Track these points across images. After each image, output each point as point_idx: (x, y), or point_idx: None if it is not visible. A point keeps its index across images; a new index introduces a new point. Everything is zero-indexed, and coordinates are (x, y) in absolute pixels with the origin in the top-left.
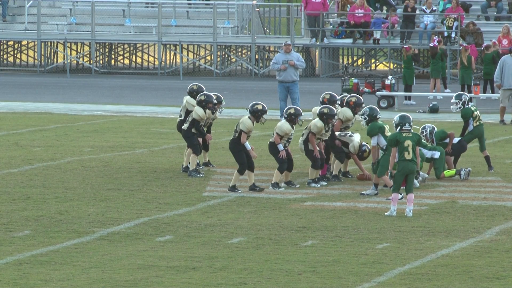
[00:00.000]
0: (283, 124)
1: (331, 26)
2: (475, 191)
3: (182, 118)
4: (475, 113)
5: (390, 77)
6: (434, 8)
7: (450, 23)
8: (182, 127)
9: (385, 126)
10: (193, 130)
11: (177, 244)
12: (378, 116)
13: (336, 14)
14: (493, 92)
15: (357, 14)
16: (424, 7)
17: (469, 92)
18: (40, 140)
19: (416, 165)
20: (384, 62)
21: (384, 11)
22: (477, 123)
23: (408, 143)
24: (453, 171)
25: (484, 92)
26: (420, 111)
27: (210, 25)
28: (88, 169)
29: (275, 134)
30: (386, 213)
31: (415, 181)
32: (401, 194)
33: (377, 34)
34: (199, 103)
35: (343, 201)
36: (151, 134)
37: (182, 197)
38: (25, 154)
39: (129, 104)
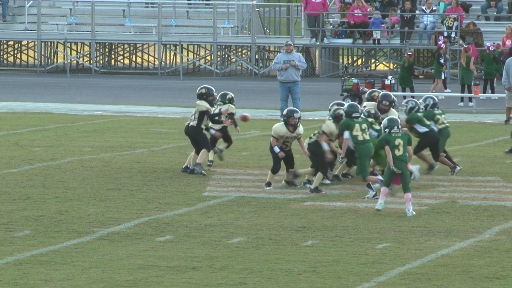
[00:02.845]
0: (278, 126)
1: (331, 26)
2: (475, 191)
3: (194, 123)
4: (437, 116)
5: (390, 77)
6: (434, 8)
7: (450, 23)
8: (191, 123)
9: (356, 125)
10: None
11: (177, 244)
12: (355, 115)
13: (336, 14)
14: (493, 92)
15: (356, 14)
16: (424, 7)
17: (469, 92)
18: (40, 140)
19: (406, 163)
20: (384, 62)
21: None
22: (442, 125)
23: (398, 141)
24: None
25: (484, 92)
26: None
27: (210, 25)
28: (88, 169)
29: (271, 136)
30: (376, 206)
31: (416, 174)
32: (373, 191)
33: (377, 34)
34: (200, 96)
35: (343, 201)
36: (151, 134)
37: (182, 197)
38: (25, 154)
39: (129, 104)
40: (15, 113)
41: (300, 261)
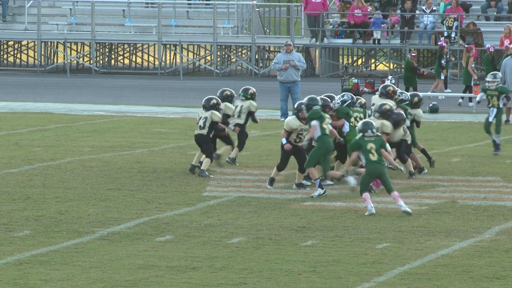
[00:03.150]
0: (290, 120)
1: (331, 26)
2: (475, 191)
3: (204, 131)
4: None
5: (390, 77)
6: (434, 8)
7: (450, 23)
8: (200, 132)
9: (326, 118)
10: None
11: (177, 244)
12: (316, 107)
13: (336, 14)
14: None
15: (356, 14)
16: (424, 7)
17: (470, 92)
18: (40, 140)
19: (384, 167)
20: (384, 62)
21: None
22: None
23: (371, 145)
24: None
25: None
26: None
27: (210, 25)
28: (88, 169)
29: (283, 129)
30: (365, 213)
31: (351, 181)
32: (307, 186)
33: (377, 34)
34: (213, 107)
35: (343, 201)
36: (151, 134)
37: (182, 197)
38: (25, 154)
39: (129, 104)
40: (15, 113)
41: (300, 261)
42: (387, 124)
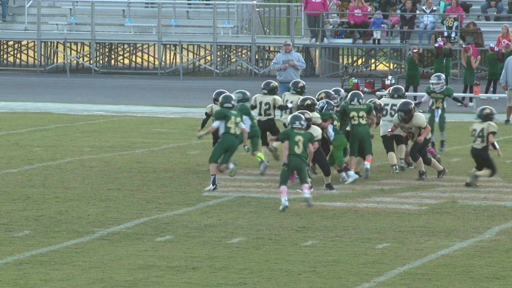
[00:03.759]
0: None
1: (331, 26)
2: (475, 191)
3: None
4: (353, 113)
5: (390, 77)
6: (434, 8)
7: (450, 23)
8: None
9: (232, 117)
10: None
11: (177, 244)
12: (226, 105)
13: (335, 14)
14: (494, 92)
15: (356, 14)
16: (424, 7)
17: (471, 92)
18: (40, 140)
19: (305, 162)
20: (384, 62)
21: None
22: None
23: (298, 138)
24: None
25: (487, 92)
26: (420, 111)
27: (210, 25)
28: (88, 169)
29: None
30: (280, 208)
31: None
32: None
33: (377, 34)
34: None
35: (343, 201)
36: (151, 134)
37: (182, 197)
38: (25, 154)
39: (129, 104)
40: (15, 113)
41: (300, 261)
42: (493, 124)
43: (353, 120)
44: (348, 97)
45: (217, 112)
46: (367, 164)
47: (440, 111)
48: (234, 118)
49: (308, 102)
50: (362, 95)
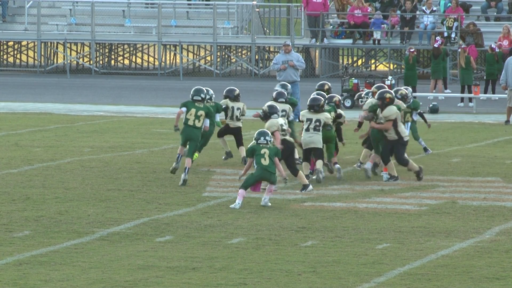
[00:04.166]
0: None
1: (331, 26)
2: (475, 191)
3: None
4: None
5: (390, 77)
6: (434, 8)
7: (450, 24)
8: (239, 124)
9: (193, 109)
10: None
11: (177, 244)
12: (195, 98)
13: (335, 15)
14: (493, 93)
15: (356, 15)
16: (424, 8)
17: (469, 92)
18: (40, 141)
19: (273, 174)
20: (384, 63)
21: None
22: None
23: (264, 151)
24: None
25: (485, 92)
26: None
27: (210, 25)
28: (88, 169)
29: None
30: (230, 205)
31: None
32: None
33: (377, 35)
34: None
35: (343, 202)
36: (151, 134)
37: (182, 198)
38: (25, 155)
39: (129, 104)
40: (15, 113)
41: (300, 261)
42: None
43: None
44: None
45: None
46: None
47: (409, 123)
48: (196, 111)
49: (336, 99)
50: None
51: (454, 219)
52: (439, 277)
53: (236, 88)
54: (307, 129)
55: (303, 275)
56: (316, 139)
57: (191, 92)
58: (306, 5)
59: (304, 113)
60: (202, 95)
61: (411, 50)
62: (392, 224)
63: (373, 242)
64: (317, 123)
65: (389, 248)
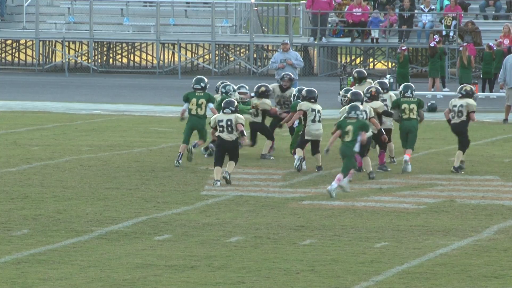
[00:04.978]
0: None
1: (330, 25)
2: (474, 190)
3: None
4: (404, 105)
5: (388, 76)
6: (432, 7)
7: (449, 22)
8: (255, 120)
9: (193, 99)
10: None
11: (175, 243)
12: (196, 87)
13: (334, 14)
14: (491, 91)
15: (355, 13)
16: (422, 6)
17: None
18: (39, 139)
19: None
20: (382, 61)
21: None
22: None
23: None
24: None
25: (483, 91)
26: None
27: (209, 24)
28: (87, 168)
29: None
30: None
31: None
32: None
33: (375, 33)
34: (262, 94)
35: (341, 200)
36: (149, 133)
37: (181, 196)
38: (23, 153)
39: (127, 103)
40: (13, 112)
41: (299, 260)
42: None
43: (404, 113)
44: (401, 88)
45: (184, 95)
46: (406, 157)
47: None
48: (196, 100)
49: (263, 89)
50: (414, 87)
51: (453, 218)
52: (438, 275)
53: (266, 84)
54: (313, 120)
55: (302, 274)
56: (321, 133)
57: (192, 82)
58: (312, 3)
59: (306, 104)
60: (202, 84)
61: (403, 48)
62: (391, 223)
63: (371, 240)
64: (319, 114)
65: (388, 246)
